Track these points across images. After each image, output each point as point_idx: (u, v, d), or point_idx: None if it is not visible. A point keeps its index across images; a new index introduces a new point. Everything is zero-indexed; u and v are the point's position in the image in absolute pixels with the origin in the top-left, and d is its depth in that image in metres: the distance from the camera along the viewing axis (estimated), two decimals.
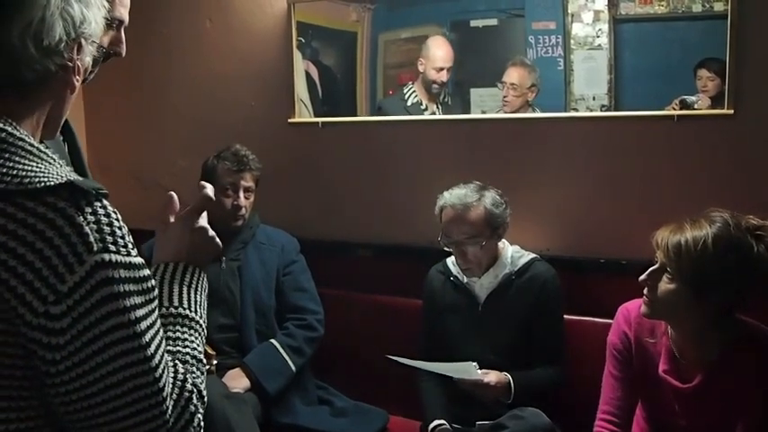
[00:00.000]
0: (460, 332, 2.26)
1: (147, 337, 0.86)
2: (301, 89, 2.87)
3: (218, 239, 1.11)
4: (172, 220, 1.11)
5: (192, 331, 1.00)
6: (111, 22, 1.47)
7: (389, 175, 2.75)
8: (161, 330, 0.90)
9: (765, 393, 1.62)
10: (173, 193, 1.12)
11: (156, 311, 0.90)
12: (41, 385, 0.83)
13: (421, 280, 2.40)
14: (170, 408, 0.87)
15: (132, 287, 0.85)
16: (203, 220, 1.11)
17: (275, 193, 2.78)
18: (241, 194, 2.51)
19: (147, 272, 0.88)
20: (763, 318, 1.72)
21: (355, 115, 2.80)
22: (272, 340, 2.47)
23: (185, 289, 1.03)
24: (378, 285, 2.67)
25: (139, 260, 0.87)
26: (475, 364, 2.09)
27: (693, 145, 2.26)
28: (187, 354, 0.97)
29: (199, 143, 2.87)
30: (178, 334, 0.98)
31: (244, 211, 2.52)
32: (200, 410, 0.92)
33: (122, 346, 0.83)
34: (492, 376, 2.09)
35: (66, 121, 1.56)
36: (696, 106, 2.25)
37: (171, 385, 0.88)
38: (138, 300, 0.85)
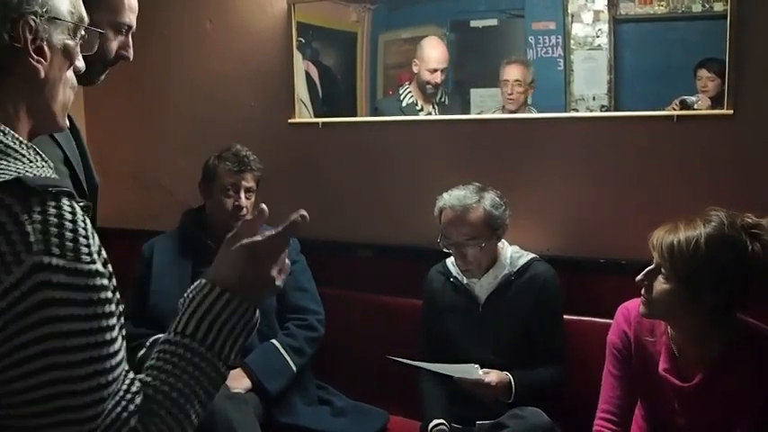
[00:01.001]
0: (461, 333, 2.26)
1: (84, 355, 0.78)
2: (301, 89, 2.88)
3: (279, 282, 0.97)
4: (256, 237, 0.96)
5: (190, 368, 0.87)
6: (120, 28, 1.49)
7: (389, 175, 2.76)
8: (118, 350, 0.82)
9: (765, 393, 1.62)
10: (264, 206, 1.00)
11: (113, 328, 0.81)
12: None
13: (421, 280, 2.41)
14: None
15: (74, 295, 0.77)
16: (271, 259, 0.96)
17: (276, 193, 2.78)
18: (242, 195, 2.50)
19: (99, 281, 0.80)
20: (763, 318, 1.73)
21: (355, 116, 2.80)
22: (273, 340, 2.47)
23: (209, 318, 0.89)
24: (378, 285, 2.67)
25: (91, 268, 0.79)
26: (477, 366, 2.09)
27: (693, 145, 2.26)
28: (161, 392, 0.85)
29: (199, 143, 2.88)
30: (168, 366, 0.87)
31: (245, 211, 2.52)
32: None
33: (52, 358, 0.76)
34: (493, 376, 2.09)
35: (71, 119, 1.57)
36: (696, 106, 2.25)
37: (104, 419, 0.79)
38: (79, 311, 0.78)
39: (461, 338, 2.26)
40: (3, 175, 0.79)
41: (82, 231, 0.80)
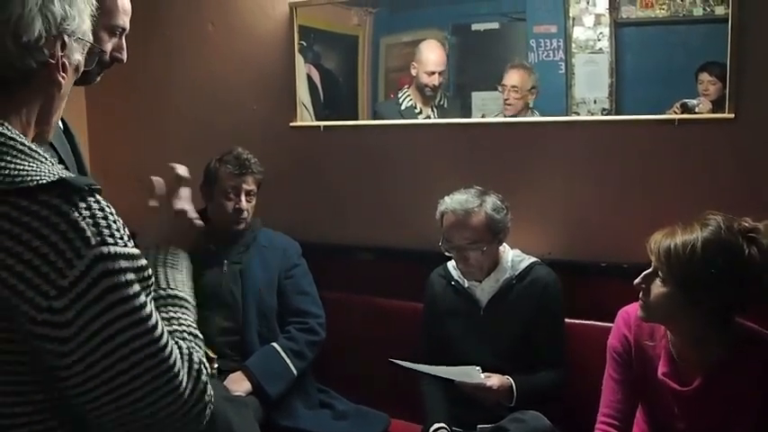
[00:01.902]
0: (462, 336, 2.26)
1: (152, 321, 0.88)
2: (303, 93, 2.88)
3: (198, 221, 1.16)
4: (154, 203, 1.15)
5: (184, 309, 1.03)
6: (114, 30, 1.50)
7: (391, 178, 2.76)
8: (159, 313, 0.93)
9: (764, 397, 1.62)
10: (156, 177, 1.15)
11: (152, 296, 0.92)
12: (50, 380, 0.85)
13: (422, 283, 2.41)
14: (184, 382, 0.90)
15: (133, 276, 0.87)
16: (183, 203, 1.14)
17: (277, 196, 2.79)
18: (243, 198, 2.51)
19: (144, 261, 0.91)
20: (762, 321, 1.72)
21: (357, 119, 2.80)
22: (274, 344, 2.47)
23: (170, 271, 1.07)
24: (378, 288, 2.67)
25: (136, 250, 0.90)
26: (478, 368, 2.10)
27: (694, 149, 2.26)
28: (184, 331, 0.99)
29: (201, 146, 2.88)
30: (171, 314, 1.01)
31: (246, 214, 2.53)
32: (208, 381, 0.96)
33: (130, 332, 0.85)
34: (494, 380, 2.09)
35: (66, 123, 1.58)
36: (697, 110, 2.25)
37: (181, 361, 0.90)
38: (139, 288, 0.87)
39: (462, 342, 2.25)
40: (43, 177, 0.83)
41: (119, 220, 0.89)
